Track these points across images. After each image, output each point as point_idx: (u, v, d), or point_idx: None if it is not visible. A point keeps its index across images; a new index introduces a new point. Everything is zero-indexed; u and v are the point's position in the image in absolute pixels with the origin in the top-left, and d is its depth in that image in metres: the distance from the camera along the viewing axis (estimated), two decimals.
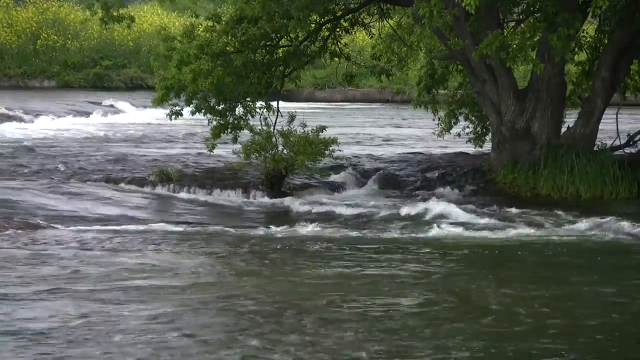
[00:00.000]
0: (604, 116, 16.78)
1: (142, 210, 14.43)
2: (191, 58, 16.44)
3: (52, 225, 12.69)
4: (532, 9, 17.55)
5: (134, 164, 18.40)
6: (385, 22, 19.89)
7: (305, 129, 16.14)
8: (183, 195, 16.04)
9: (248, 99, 17.38)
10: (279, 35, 17.23)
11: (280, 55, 17.87)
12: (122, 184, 16.42)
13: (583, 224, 13.31)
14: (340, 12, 18.38)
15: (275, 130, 16.55)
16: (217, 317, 8.44)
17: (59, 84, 41.33)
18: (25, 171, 17.23)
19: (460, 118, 20.22)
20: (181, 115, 17.49)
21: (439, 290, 9.56)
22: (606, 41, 17.34)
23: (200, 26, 17.85)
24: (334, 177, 17.39)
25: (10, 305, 8.59)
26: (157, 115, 26.78)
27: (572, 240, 12.44)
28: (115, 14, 17.72)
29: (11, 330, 7.83)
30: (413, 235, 12.67)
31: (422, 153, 21.13)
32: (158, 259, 10.81)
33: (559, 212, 14.23)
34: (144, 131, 26.29)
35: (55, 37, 42.36)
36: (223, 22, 17.06)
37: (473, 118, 20.02)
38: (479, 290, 9.63)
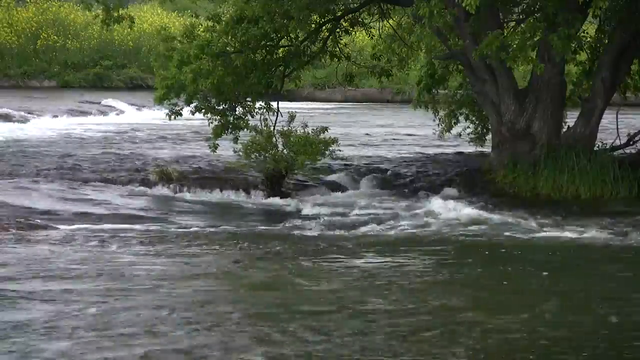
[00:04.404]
0: (604, 116, 16.79)
1: (142, 210, 14.43)
2: (191, 58, 16.46)
3: (52, 225, 12.69)
4: (532, 9, 17.55)
5: (133, 164, 18.40)
6: (385, 22, 19.89)
7: (306, 129, 16.15)
8: (183, 195, 16.05)
9: (248, 99, 17.39)
10: (279, 35, 17.24)
11: (281, 55, 17.88)
12: (122, 184, 16.41)
13: (583, 224, 13.32)
14: (340, 12, 18.38)
15: (275, 130, 16.55)
16: (216, 317, 8.43)
17: (59, 84, 41.36)
18: (25, 171, 17.22)
19: (461, 118, 20.22)
20: (181, 115, 17.51)
21: (438, 290, 9.56)
22: (606, 41, 17.33)
23: (200, 26, 17.86)
24: (334, 177, 17.41)
25: (9, 304, 8.60)
26: (157, 115, 26.78)
27: (571, 239, 12.44)
28: (115, 14, 17.72)
29: (10, 329, 7.84)
30: (413, 235, 12.67)
31: (422, 153, 21.14)
32: (157, 259, 10.82)
33: (559, 212, 14.23)
34: (143, 131, 26.28)
35: (55, 37, 42.38)
36: (223, 22, 17.06)
37: (473, 118, 20.03)
38: (478, 290, 9.64)
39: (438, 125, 20.30)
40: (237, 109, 17.45)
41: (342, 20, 18.52)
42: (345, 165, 18.17)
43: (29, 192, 14.95)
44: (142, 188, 16.24)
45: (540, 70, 15.25)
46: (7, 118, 27.44)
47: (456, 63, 19.00)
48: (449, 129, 20.13)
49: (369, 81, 37.66)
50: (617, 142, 17.35)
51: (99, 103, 34.02)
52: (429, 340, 7.81)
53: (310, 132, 16.08)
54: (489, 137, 18.67)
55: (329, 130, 16.43)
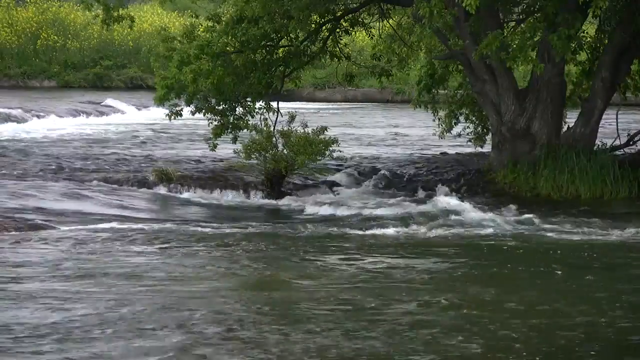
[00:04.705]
0: (604, 116, 16.79)
1: (142, 210, 14.44)
2: (191, 58, 16.46)
3: (52, 225, 12.69)
4: (532, 9, 17.56)
5: (134, 164, 18.41)
6: (385, 22, 19.88)
7: (306, 129, 16.15)
8: (183, 195, 16.05)
9: (248, 99, 17.40)
10: (279, 35, 17.24)
11: (281, 55, 17.88)
12: (122, 184, 16.42)
13: (583, 224, 13.31)
14: (340, 12, 18.38)
15: (275, 130, 16.56)
16: (217, 317, 8.43)
17: (59, 84, 41.34)
18: (25, 171, 17.22)
19: (461, 118, 20.21)
20: (181, 115, 17.51)
21: (438, 290, 9.56)
22: (606, 41, 17.34)
23: (200, 26, 17.87)
24: (334, 177, 17.42)
25: (9, 304, 8.60)
26: (157, 115, 26.78)
27: (571, 240, 12.44)
28: (115, 14, 17.72)
29: (9, 330, 7.84)
30: (413, 235, 12.67)
31: (422, 153, 21.14)
32: (158, 259, 10.82)
33: (559, 212, 14.23)
34: (143, 131, 26.29)
35: (55, 37, 42.36)
36: (223, 23, 17.07)
37: (473, 118, 20.02)
38: (477, 290, 9.63)
39: (438, 125, 20.28)
40: (237, 109, 17.46)
41: (342, 20, 18.51)
42: (345, 165, 18.18)
43: (29, 192, 14.94)
44: (142, 188, 16.24)
45: (540, 70, 15.25)
46: (7, 118, 27.44)
47: (456, 63, 18.99)
48: (449, 129, 20.12)
49: (369, 81, 37.62)
50: (617, 142, 17.34)
51: (100, 103, 34.01)
52: (432, 340, 7.81)
53: (310, 132, 16.08)
54: (489, 137, 18.67)
55: (329, 130, 16.43)
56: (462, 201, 15.01)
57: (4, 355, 7.26)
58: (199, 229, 12.91)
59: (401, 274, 10.31)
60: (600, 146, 16.86)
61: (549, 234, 12.73)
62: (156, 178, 16.50)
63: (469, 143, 20.26)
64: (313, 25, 17.53)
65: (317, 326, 8.14)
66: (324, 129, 16.21)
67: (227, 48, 16.87)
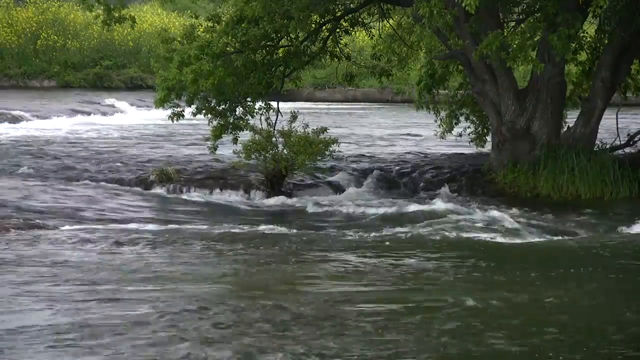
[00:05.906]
0: (604, 116, 16.80)
1: (142, 210, 14.44)
2: (192, 59, 16.48)
3: (52, 225, 12.70)
4: (532, 9, 17.57)
5: (134, 164, 18.41)
6: (385, 22, 19.90)
7: (306, 129, 16.17)
8: (183, 195, 16.06)
9: (248, 99, 17.42)
10: (279, 35, 17.26)
11: (281, 55, 17.90)
12: (122, 184, 16.43)
13: (583, 224, 13.32)
14: (340, 12, 18.39)
15: (275, 130, 16.58)
16: (216, 316, 8.43)
17: (59, 84, 41.37)
18: (26, 171, 17.23)
19: (461, 118, 20.23)
20: (182, 116, 17.51)
21: (441, 290, 9.57)
22: (606, 41, 17.35)
23: (200, 27, 17.88)
24: (334, 177, 17.42)
25: (9, 305, 8.60)
26: (157, 115, 26.78)
27: (571, 239, 12.45)
28: (116, 14, 17.72)
29: (9, 330, 7.84)
30: (413, 235, 12.67)
31: (422, 153, 21.14)
32: (157, 259, 10.83)
33: (559, 212, 14.23)
34: (143, 131, 26.31)
35: (55, 37, 42.41)
36: (223, 23, 17.09)
37: (474, 118, 20.04)
38: (476, 290, 9.64)
39: (439, 125, 20.30)
40: (237, 109, 17.48)
41: (342, 20, 18.53)
42: (345, 165, 18.17)
43: (29, 192, 14.95)
44: (142, 188, 16.25)
45: (540, 70, 15.26)
46: (7, 118, 27.46)
47: (456, 63, 19.02)
48: (449, 129, 20.15)
49: (369, 81, 37.69)
50: (617, 142, 17.35)
51: (100, 103, 34.04)
52: (435, 341, 7.82)
53: (310, 132, 16.10)
54: (489, 137, 18.68)
55: (328, 130, 16.44)
56: (462, 201, 15.02)
57: (5, 356, 7.26)
58: (199, 229, 12.91)
59: (401, 274, 10.31)
60: (600, 146, 16.88)
61: (549, 234, 12.73)
62: (156, 178, 16.51)
63: (469, 143, 20.27)
64: (313, 25, 17.55)
65: (316, 326, 8.14)
66: (324, 129, 16.23)
67: (228, 48, 16.88)
